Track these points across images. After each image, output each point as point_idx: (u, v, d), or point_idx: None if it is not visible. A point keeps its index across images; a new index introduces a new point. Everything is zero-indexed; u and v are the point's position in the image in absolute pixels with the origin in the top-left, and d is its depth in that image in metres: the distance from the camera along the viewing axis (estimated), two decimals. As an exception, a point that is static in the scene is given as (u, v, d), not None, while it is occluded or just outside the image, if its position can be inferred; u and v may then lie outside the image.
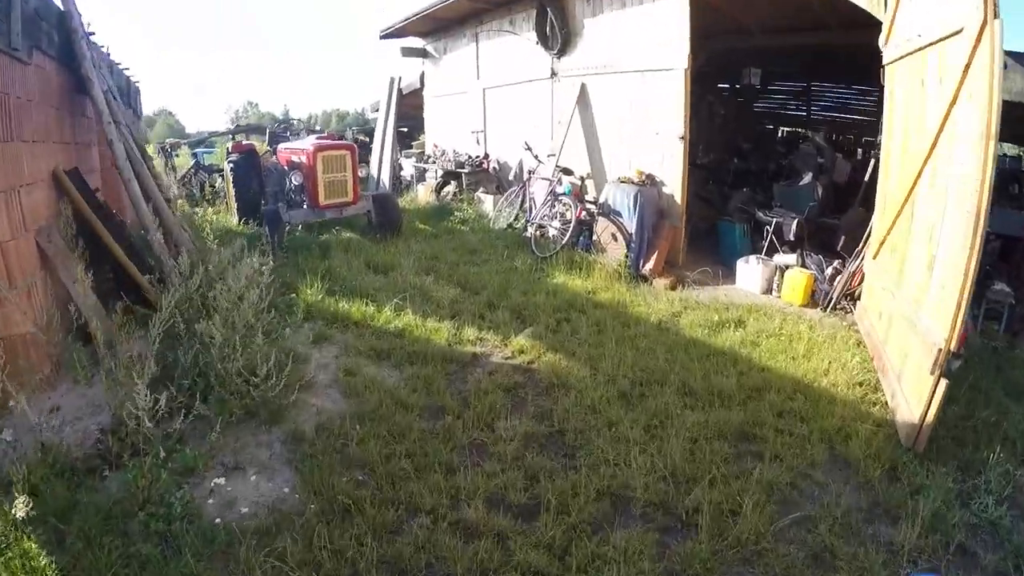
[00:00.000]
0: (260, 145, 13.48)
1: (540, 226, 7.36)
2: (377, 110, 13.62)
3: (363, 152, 14.37)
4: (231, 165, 8.94)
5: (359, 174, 7.81)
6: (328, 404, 3.63)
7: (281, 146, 9.01)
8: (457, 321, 4.91)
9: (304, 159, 7.66)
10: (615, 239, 6.65)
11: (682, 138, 6.36)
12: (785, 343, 4.54)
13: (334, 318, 5.00)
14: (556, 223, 7.12)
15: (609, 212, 6.74)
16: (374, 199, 8.04)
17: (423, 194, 11.31)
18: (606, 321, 4.89)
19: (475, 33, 10.12)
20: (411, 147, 13.02)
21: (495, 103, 9.88)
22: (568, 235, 6.80)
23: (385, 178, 12.42)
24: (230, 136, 11.71)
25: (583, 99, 7.85)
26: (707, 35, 7.32)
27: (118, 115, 5.48)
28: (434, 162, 11.12)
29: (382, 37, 11.76)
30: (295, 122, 10.63)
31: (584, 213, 6.96)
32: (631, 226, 6.45)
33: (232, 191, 8.98)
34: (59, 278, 3.95)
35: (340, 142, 7.92)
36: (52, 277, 3.95)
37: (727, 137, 10.50)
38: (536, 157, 8.11)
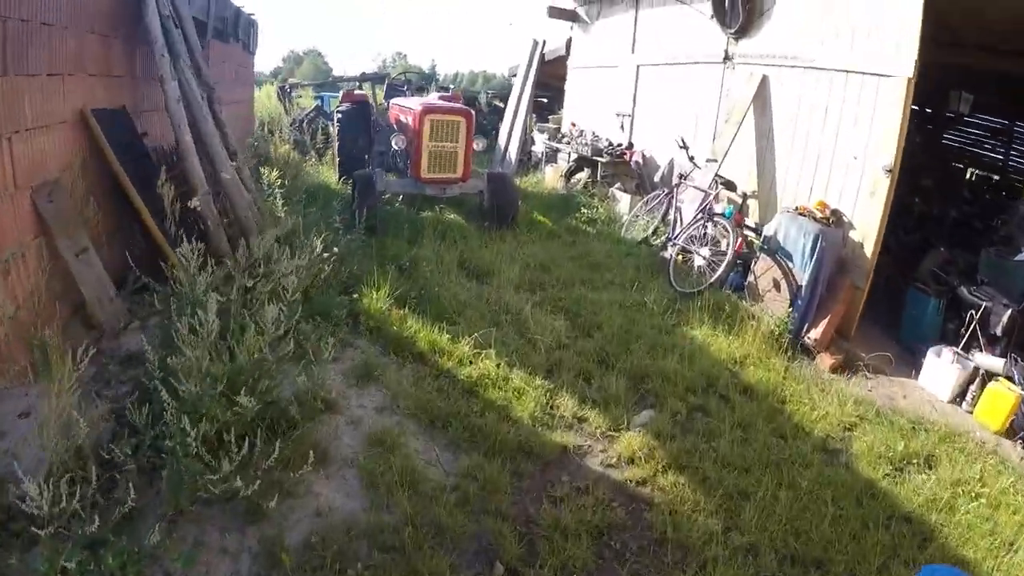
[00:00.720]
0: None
1: (684, 249, 6.19)
2: (515, 75, 12.74)
3: (497, 119, 13.68)
4: (339, 115, 8.56)
5: (475, 147, 7.04)
6: (337, 499, 2.84)
7: (393, 101, 8.32)
8: (553, 381, 4.02)
9: (410, 120, 6.98)
10: (777, 288, 5.37)
11: (890, 171, 4.84)
12: (988, 511, 3.19)
13: (395, 341, 4.29)
14: (705, 251, 5.92)
15: (776, 250, 5.43)
16: (489, 179, 7.25)
17: (551, 177, 10.37)
18: (755, 423, 3.77)
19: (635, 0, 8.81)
20: (547, 121, 12.04)
21: (649, 84, 8.59)
22: (720, 271, 5.60)
23: (513, 153, 11.60)
24: (357, 83, 11.29)
25: (761, 96, 6.42)
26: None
27: (178, 46, 4.92)
28: (568, 143, 10.09)
29: (530, -6, 10.72)
30: (415, 75, 9.85)
31: (743, 245, 5.71)
32: (802, 275, 5.12)
33: (336, 145, 8.67)
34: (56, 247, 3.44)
35: (456, 105, 7.17)
36: (50, 246, 3.43)
37: (910, 170, 8.38)
38: (692, 159, 6.84)
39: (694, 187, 6.60)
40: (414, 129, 6.73)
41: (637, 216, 7.47)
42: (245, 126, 9.50)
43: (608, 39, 9.64)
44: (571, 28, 10.91)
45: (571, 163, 9.94)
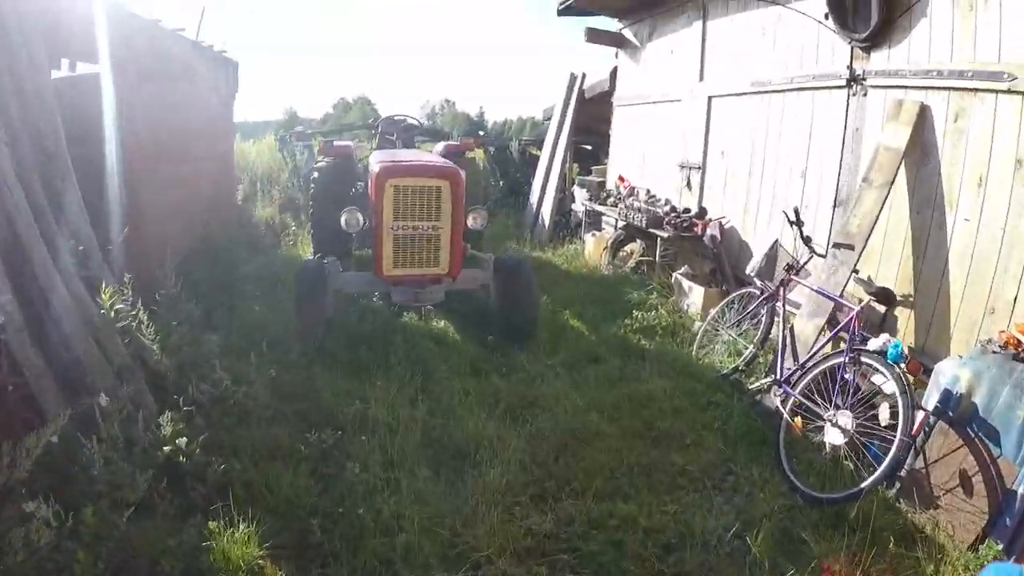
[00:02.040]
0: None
1: (805, 406, 3.67)
2: (550, 117, 10.64)
3: (531, 171, 11.57)
4: (314, 175, 6.56)
5: (473, 223, 5.01)
6: None
7: (372, 157, 6.23)
8: None
9: (369, 187, 5.12)
10: (966, 487, 2.83)
11: None
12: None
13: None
14: (845, 418, 3.39)
15: (968, 419, 2.91)
16: (499, 269, 5.09)
17: (592, 249, 8.05)
18: None
19: (702, 6, 6.54)
20: (590, 173, 9.83)
21: (726, 124, 6.22)
22: (884, 466, 3.07)
23: (547, 213, 9.40)
24: (373, 131, 9.19)
25: (919, 138, 3.97)
26: None
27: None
28: (615, 204, 7.78)
29: (560, 12, 8.61)
30: (412, 119, 7.80)
31: (921, 418, 3.17)
32: (1018, 471, 2.58)
33: (310, 211, 6.62)
34: None
35: (434, 162, 5.06)
36: None
37: None
38: (807, 241, 4.35)
39: (815, 291, 4.10)
40: (372, 199, 4.69)
41: (718, 325, 4.99)
42: (219, 186, 7.70)
43: (665, 65, 7.38)
44: (616, 55, 8.73)
45: (618, 230, 7.61)
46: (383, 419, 3.70)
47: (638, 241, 7.33)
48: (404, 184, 4.53)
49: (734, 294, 5.02)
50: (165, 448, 2.93)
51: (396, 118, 7.40)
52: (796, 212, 4.32)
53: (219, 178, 7.67)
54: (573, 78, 9.69)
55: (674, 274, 6.24)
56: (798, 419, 3.61)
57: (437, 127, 9.54)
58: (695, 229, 6.09)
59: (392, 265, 4.63)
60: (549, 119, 10.66)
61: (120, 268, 3.88)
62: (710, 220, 6.09)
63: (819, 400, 3.56)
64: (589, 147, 10.95)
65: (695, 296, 5.81)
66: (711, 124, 6.41)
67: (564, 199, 10.05)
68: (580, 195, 9.67)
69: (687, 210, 6.46)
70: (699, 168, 6.54)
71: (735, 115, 6.06)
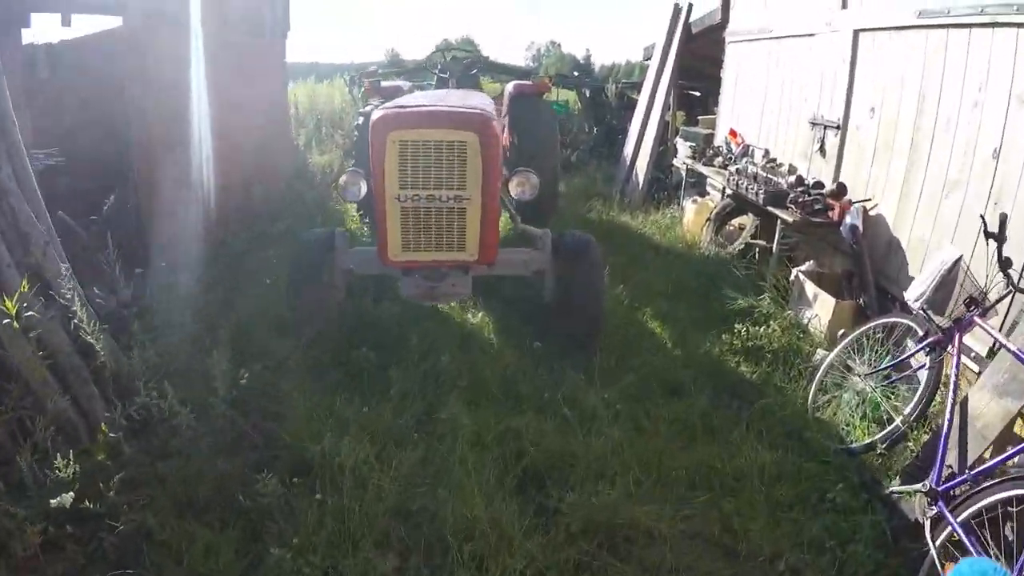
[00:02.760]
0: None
1: (967, 548, 2.33)
2: (651, 58, 9.01)
3: (630, 118, 10.04)
4: (359, 122, 5.75)
5: (518, 192, 4.04)
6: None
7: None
8: None
9: (366, 143, 3.93)
10: None
11: None
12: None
13: None
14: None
15: None
16: (557, 250, 3.97)
17: (691, 219, 6.68)
18: None
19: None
20: (696, 123, 8.24)
21: (881, 68, 4.52)
22: None
23: (641, 171, 8.02)
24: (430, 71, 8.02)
25: None
26: None
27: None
28: (723, 165, 6.28)
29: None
30: (467, 54, 6.20)
31: None
32: None
33: (352, 164, 5.83)
34: None
35: (458, 108, 3.71)
36: None
37: None
38: (1005, 266, 2.79)
39: (1014, 352, 2.63)
40: (371, 162, 3.58)
41: (848, 360, 3.60)
42: (268, 135, 7.03)
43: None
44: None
45: (725, 200, 6.18)
46: (353, 466, 2.84)
47: (750, 216, 5.87)
48: (412, 138, 3.41)
49: (877, 321, 3.58)
50: (64, 495, 2.40)
51: (449, 52, 6.24)
52: (1002, 221, 2.80)
53: (268, 126, 6.98)
54: (678, 9, 8.01)
55: (794, 270, 4.80)
56: (950, 566, 2.29)
57: (509, 64, 8.20)
58: (829, 214, 4.57)
59: (401, 248, 3.60)
60: (649, 59, 9.03)
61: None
62: (850, 203, 4.53)
63: (992, 545, 2.23)
64: (697, 93, 9.25)
65: (821, 307, 4.37)
66: (857, 68, 4.72)
67: (664, 153, 8.57)
68: (683, 149, 8.12)
69: (818, 184, 4.89)
70: (837, 127, 4.91)
71: (893, 57, 4.35)
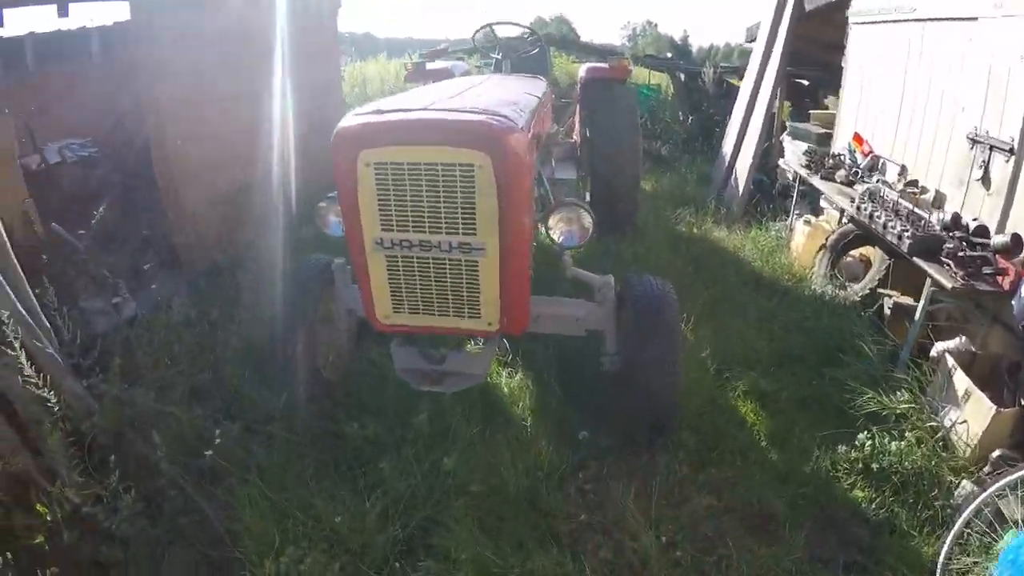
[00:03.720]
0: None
1: None
2: (754, 39, 7.73)
3: (731, 107, 8.78)
4: None
5: (567, 232, 2.98)
6: None
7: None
8: None
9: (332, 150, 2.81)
10: None
11: None
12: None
13: None
14: None
15: None
16: (624, 304, 3.10)
17: (801, 241, 5.58)
18: None
19: None
20: (806, 118, 6.96)
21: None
22: None
23: (742, 172, 6.91)
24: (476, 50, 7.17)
25: None
26: None
27: None
28: (847, 181, 5.09)
29: None
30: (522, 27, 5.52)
31: None
32: None
33: None
34: None
35: (459, 114, 2.59)
36: None
37: None
38: None
39: None
40: (339, 192, 2.73)
41: (1007, 504, 2.55)
42: (314, 123, 6.10)
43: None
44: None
45: (845, 225, 5.05)
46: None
47: (877, 250, 4.71)
48: (391, 158, 2.45)
49: None
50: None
51: (505, 25, 5.30)
52: None
53: (315, 112, 6.23)
54: (787, -16, 6.70)
55: (938, 347, 3.67)
56: None
57: (585, 42, 7.20)
58: (999, 278, 3.40)
59: (391, 308, 2.79)
60: (753, 40, 7.73)
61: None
62: (1025, 264, 3.36)
63: None
64: (806, 82, 7.87)
65: (974, 413, 3.17)
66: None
67: (768, 151, 7.37)
68: (792, 149, 6.90)
69: (982, 229, 3.68)
70: (1010, 151, 3.66)
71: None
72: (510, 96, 3.25)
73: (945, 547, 2.58)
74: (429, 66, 5.34)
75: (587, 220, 2.94)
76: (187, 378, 3.31)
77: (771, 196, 7.18)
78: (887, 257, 4.48)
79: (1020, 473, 2.56)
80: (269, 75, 5.34)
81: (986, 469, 3.00)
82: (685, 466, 3.07)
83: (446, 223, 2.53)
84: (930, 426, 3.28)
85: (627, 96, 5.39)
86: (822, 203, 5.94)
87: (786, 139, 7.24)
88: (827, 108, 8.01)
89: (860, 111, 5.47)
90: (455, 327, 2.83)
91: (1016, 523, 2.51)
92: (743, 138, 7.12)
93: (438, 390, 2.96)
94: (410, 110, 2.61)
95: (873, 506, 2.96)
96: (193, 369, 3.41)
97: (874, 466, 3.11)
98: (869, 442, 3.18)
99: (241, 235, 4.91)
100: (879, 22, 5.14)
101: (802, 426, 3.44)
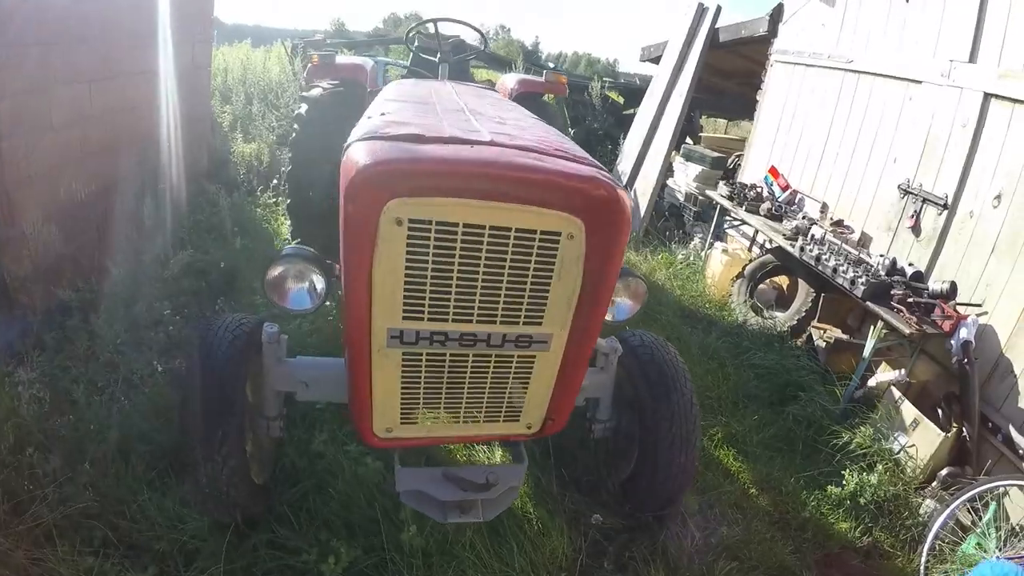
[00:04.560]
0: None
1: None
2: (654, 59, 7.99)
3: (614, 125, 9.01)
4: (301, 111, 4.28)
5: (627, 304, 2.54)
6: None
7: (386, 86, 3.51)
8: None
9: (340, 210, 1.80)
10: None
11: None
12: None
13: None
14: None
15: None
16: (629, 368, 2.78)
17: (719, 270, 5.82)
18: None
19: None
20: (697, 141, 7.38)
21: (1020, 149, 3.75)
22: None
23: (644, 197, 7.09)
24: (408, 47, 6.54)
25: None
26: None
27: None
28: (773, 214, 5.36)
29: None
30: (469, 26, 4.72)
31: None
32: None
33: (287, 170, 4.49)
34: None
35: (557, 161, 1.82)
36: None
37: None
38: None
39: None
40: (342, 253, 1.84)
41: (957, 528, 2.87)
42: (183, 110, 5.28)
43: (892, 16, 4.73)
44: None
45: (764, 255, 5.37)
46: None
47: (800, 282, 5.03)
48: (437, 216, 1.70)
49: (986, 484, 2.95)
50: None
51: (442, 26, 4.46)
52: None
53: (181, 103, 5.29)
54: (702, 10, 7.01)
55: (879, 378, 4.04)
56: None
57: (499, 55, 6.82)
58: (939, 322, 3.80)
59: (399, 419, 2.12)
60: (654, 59, 7.97)
61: None
62: (963, 313, 3.80)
63: None
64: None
65: (922, 439, 3.59)
66: (982, 141, 3.94)
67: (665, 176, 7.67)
68: (683, 172, 7.26)
69: (919, 275, 4.12)
70: (943, 206, 4.12)
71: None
72: (550, 129, 2.49)
73: (923, 559, 2.99)
74: (339, 60, 4.58)
75: (643, 288, 2.57)
76: (51, 509, 2.36)
77: (662, 215, 7.48)
78: (811, 290, 4.83)
79: (979, 488, 3.04)
80: (139, 53, 4.49)
81: (934, 485, 3.44)
82: (696, 531, 2.98)
83: (504, 311, 1.90)
84: (885, 453, 3.58)
85: (559, 115, 5.14)
86: (728, 230, 6.29)
87: (677, 160, 7.60)
88: (701, 130, 8.58)
89: (776, 145, 5.87)
90: (484, 434, 2.32)
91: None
92: (643, 159, 7.29)
93: (471, 520, 2.34)
94: (469, 141, 1.81)
95: (860, 535, 3.18)
96: (59, 491, 2.44)
97: (861, 500, 3.30)
98: (855, 479, 3.36)
99: (96, 259, 4.00)
100: (807, 64, 5.53)
101: (779, 467, 3.54)
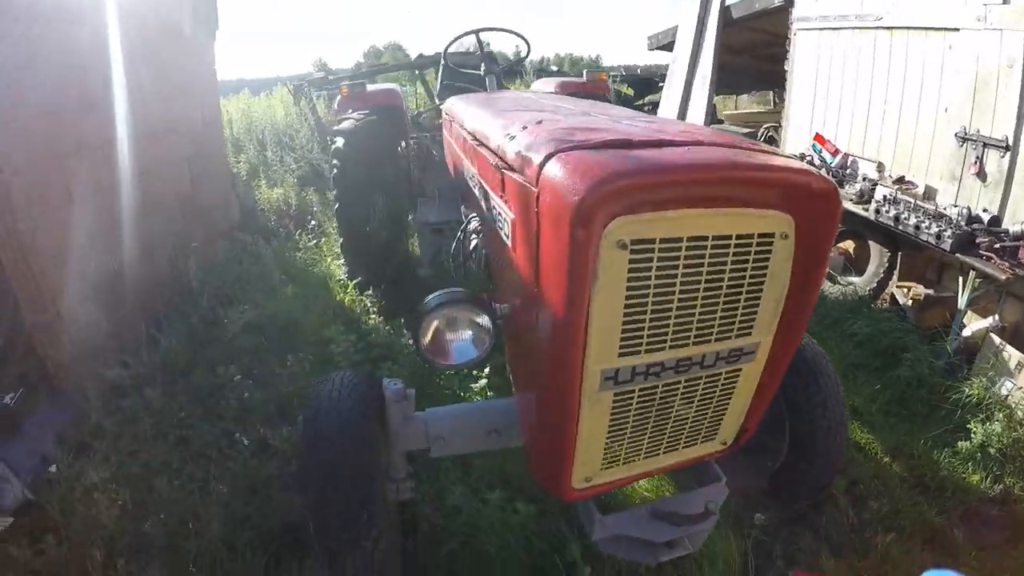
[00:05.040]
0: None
1: None
2: (663, 46, 8.13)
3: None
4: (338, 143, 4.21)
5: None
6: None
7: (452, 105, 3.62)
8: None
9: (507, 209, 1.97)
10: None
11: None
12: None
13: None
14: None
15: None
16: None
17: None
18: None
19: None
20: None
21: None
22: None
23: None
24: (437, 66, 6.70)
25: None
26: None
27: None
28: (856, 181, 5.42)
29: None
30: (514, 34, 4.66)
31: None
32: None
33: (336, 207, 4.41)
34: None
35: (755, 155, 1.68)
36: None
37: None
38: None
39: None
40: (522, 281, 1.83)
41: None
42: (195, 171, 5.35)
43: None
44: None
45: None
46: None
47: (875, 245, 5.10)
48: (662, 233, 1.53)
49: None
50: None
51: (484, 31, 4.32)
52: None
53: (195, 160, 5.35)
54: (710, -13, 7.13)
55: (970, 328, 4.17)
56: None
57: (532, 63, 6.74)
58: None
59: (600, 465, 1.94)
60: (663, 46, 8.11)
61: None
62: (1048, 248, 3.91)
63: None
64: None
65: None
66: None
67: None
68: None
69: (996, 220, 4.22)
70: (1005, 147, 4.22)
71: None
72: (678, 122, 2.48)
73: None
74: (370, 88, 4.71)
75: None
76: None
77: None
78: (885, 251, 4.94)
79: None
80: (151, 115, 4.47)
81: None
82: (851, 509, 3.14)
83: (719, 326, 1.75)
84: (998, 399, 3.71)
85: None
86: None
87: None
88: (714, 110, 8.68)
89: (816, 112, 5.97)
90: (683, 460, 2.12)
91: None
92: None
93: (681, 554, 2.22)
94: (675, 143, 1.65)
95: (992, 484, 3.29)
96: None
97: (991, 450, 3.42)
98: (981, 431, 3.49)
99: (141, 331, 3.88)
100: (836, 28, 5.63)
101: (904, 432, 3.67)
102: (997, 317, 4.11)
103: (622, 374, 1.69)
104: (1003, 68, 4.16)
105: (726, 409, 2.01)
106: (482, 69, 4.28)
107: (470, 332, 2.05)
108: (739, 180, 1.59)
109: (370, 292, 4.40)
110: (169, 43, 5.06)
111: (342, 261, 4.80)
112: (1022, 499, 3.21)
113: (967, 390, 3.74)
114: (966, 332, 4.19)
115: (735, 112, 7.82)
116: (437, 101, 5.63)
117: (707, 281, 1.63)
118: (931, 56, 4.69)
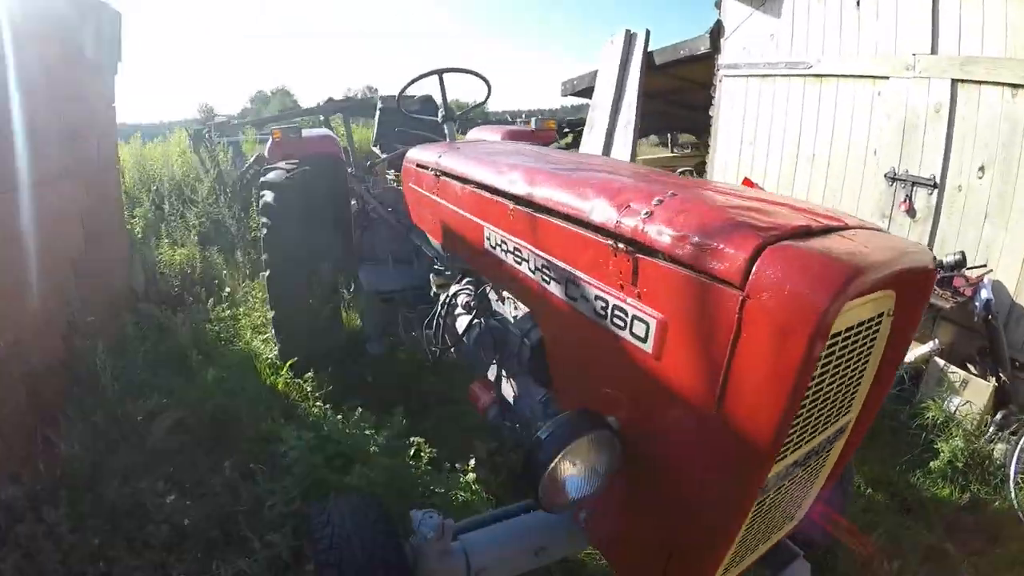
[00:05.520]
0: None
1: None
2: (578, 92, 8.37)
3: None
4: (267, 196, 3.77)
5: None
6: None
7: (440, 156, 3.01)
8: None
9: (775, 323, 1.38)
10: None
11: None
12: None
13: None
14: None
15: None
16: None
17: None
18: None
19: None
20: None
21: (993, 124, 4.27)
22: None
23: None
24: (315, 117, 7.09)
25: None
26: None
27: None
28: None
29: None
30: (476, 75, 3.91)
31: None
32: None
33: (266, 273, 3.89)
34: None
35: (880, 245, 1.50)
36: None
37: None
38: None
39: None
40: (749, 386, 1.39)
41: None
42: (91, 229, 4.32)
43: (843, 20, 5.25)
44: (717, 5, 6.47)
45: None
46: None
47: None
48: (846, 323, 1.45)
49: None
50: None
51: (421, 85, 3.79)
52: None
53: (91, 215, 4.38)
54: (631, 37, 7.44)
55: (930, 356, 4.39)
56: None
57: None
58: (964, 292, 4.21)
59: (722, 571, 1.72)
60: (578, 92, 8.32)
61: None
62: (980, 276, 4.24)
63: None
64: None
65: (975, 394, 4.01)
66: (957, 120, 4.44)
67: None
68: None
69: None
70: (932, 186, 4.60)
71: (1016, 111, 4.13)
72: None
73: (1012, 494, 3.41)
74: (306, 133, 4.24)
75: None
76: None
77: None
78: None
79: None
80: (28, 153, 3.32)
81: (991, 430, 3.80)
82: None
83: (838, 409, 1.67)
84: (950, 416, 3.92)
85: None
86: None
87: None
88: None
89: (743, 156, 6.27)
90: (770, 546, 1.95)
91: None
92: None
93: None
94: (831, 228, 1.48)
95: (960, 494, 3.49)
96: None
97: (959, 464, 3.59)
98: (948, 448, 3.63)
99: (33, 437, 3.04)
100: (762, 76, 5.99)
101: (876, 463, 3.73)
102: (937, 341, 4.37)
103: (771, 481, 1.58)
104: (931, 112, 4.56)
105: (815, 488, 1.95)
106: (439, 116, 3.83)
107: (588, 466, 1.69)
108: (886, 260, 1.41)
109: (311, 375, 3.77)
110: (67, 70, 4.16)
111: (267, 336, 4.20)
112: (989, 502, 3.42)
113: (928, 413, 3.89)
114: (908, 358, 4.41)
115: (648, 157, 8.12)
116: (378, 149, 5.26)
117: (847, 367, 1.55)
118: (860, 102, 5.08)
